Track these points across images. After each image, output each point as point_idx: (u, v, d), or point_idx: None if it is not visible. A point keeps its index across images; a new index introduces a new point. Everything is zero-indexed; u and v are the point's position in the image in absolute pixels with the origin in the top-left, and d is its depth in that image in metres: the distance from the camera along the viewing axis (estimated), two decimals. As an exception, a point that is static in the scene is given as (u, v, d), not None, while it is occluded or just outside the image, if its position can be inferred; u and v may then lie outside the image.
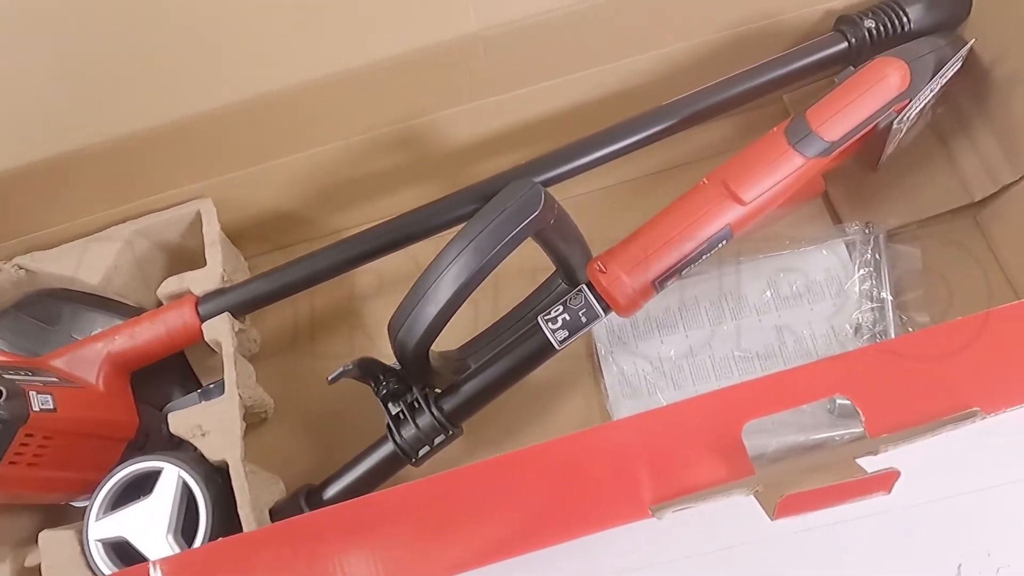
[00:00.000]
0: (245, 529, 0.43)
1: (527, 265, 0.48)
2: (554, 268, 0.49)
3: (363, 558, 0.33)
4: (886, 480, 0.31)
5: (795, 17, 0.52)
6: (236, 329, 0.50)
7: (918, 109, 0.47)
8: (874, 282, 0.52)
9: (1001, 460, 0.49)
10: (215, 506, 0.43)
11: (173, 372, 0.53)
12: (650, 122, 0.50)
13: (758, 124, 0.53)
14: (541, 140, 0.54)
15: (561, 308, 0.46)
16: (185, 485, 0.44)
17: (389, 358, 0.46)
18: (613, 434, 0.35)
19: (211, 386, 0.52)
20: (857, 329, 0.51)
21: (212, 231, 0.53)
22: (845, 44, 0.50)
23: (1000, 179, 0.51)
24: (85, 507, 0.45)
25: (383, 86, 0.50)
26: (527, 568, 0.35)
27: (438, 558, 0.33)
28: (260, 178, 0.55)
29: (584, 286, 0.46)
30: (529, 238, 0.43)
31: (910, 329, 0.51)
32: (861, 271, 0.52)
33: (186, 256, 0.56)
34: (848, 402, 0.42)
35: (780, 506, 0.31)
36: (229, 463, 0.45)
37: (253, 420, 0.54)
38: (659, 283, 0.44)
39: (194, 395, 0.52)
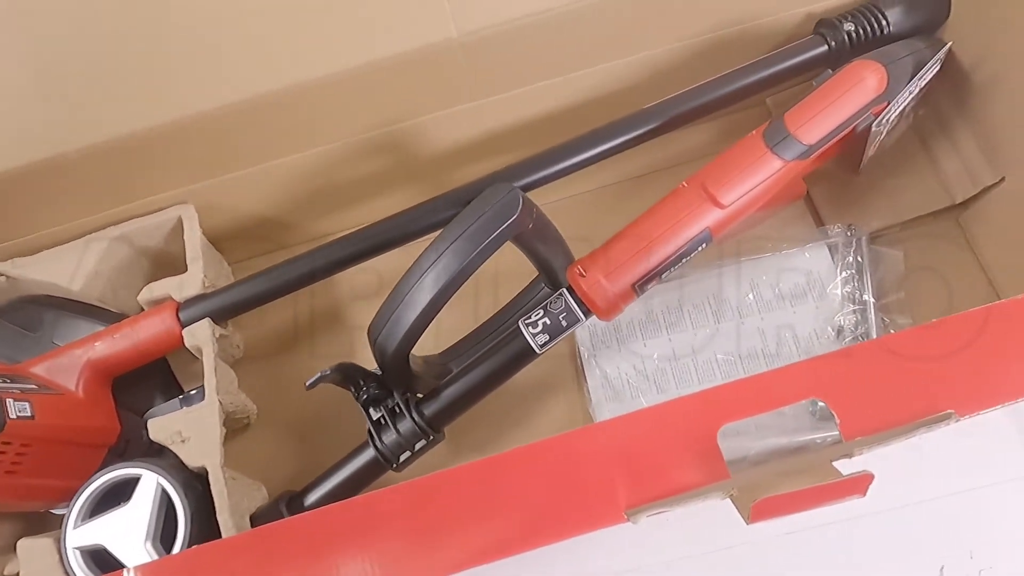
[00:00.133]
0: (224, 536, 0.43)
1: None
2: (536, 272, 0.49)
3: (338, 563, 0.33)
4: (860, 483, 0.31)
5: (775, 20, 0.52)
6: (217, 335, 0.50)
7: (897, 112, 0.47)
8: (856, 284, 0.52)
9: (984, 462, 0.49)
10: (194, 513, 0.43)
11: (155, 378, 0.53)
12: (631, 126, 0.50)
13: (742, 127, 0.53)
14: (524, 144, 0.54)
15: (541, 312, 0.46)
16: (164, 492, 0.44)
17: (372, 363, 0.46)
18: (588, 438, 0.35)
19: (192, 392, 0.52)
20: (839, 331, 0.51)
21: (193, 237, 0.52)
22: (825, 47, 0.50)
23: (981, 181, 0.51)
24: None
25: (364, 91, 0.50)
26: (508, 571, 0.35)
27: (415, 565, 0.33)
28: (243, 183, 0.55)
29: (564, 290, 0.46)
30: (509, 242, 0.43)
31: (892, 331, 0.51)
32: (843, 273, 0.52)
33: (169, 262, 0.56)
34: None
35: (754, 510, 0.31)
36: (208, 469, 0.44)
37: (235, 426, 0.54)
38: (639, 287, 0.44)
39: (175, 401, 0.52)
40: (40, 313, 0.53)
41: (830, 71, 0.45)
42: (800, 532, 0.48)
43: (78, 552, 0.43)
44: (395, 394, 0.47)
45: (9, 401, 0.42)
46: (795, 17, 0.52)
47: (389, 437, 0.46)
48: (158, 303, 0.51)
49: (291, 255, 0.52)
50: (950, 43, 0.48)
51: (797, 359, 0.51)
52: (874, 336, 0.50)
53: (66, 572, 0.43)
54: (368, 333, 0.44)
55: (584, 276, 0.44)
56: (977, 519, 0.48)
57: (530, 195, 0.49)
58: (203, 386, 0.49)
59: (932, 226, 0.54)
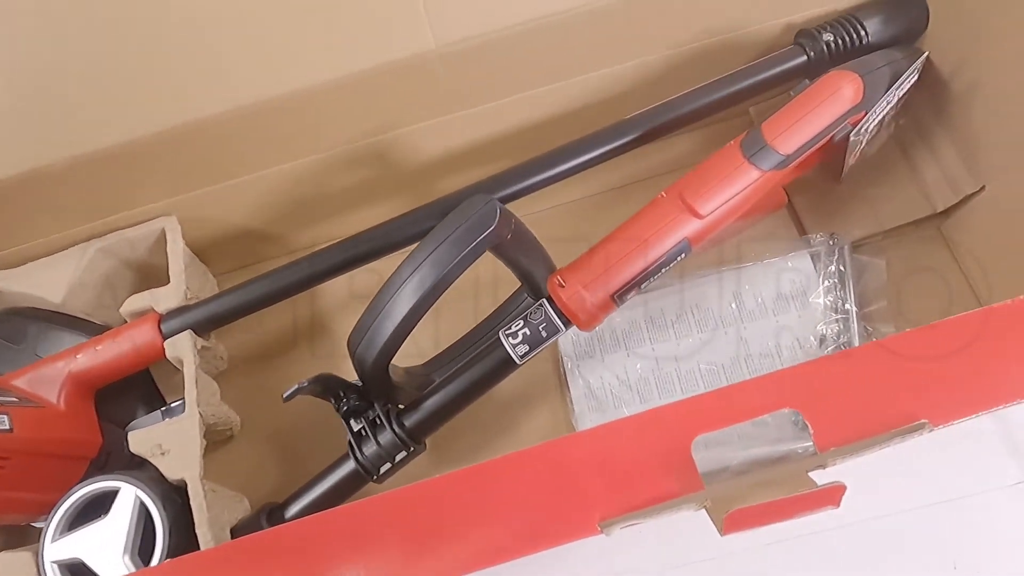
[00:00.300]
0: (203, 548, 0.43)
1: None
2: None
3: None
4: (833, 494, 0.31)
5: (756, 31, 0.53)
6: (199, 346, 0.50)
7: (876, 121, 0.47)
8: (839, 293, 0.52)
9: (969, 470, 0.49)
10: (172, 526, 0.43)
11: (137, 390, 0.53)
12: (613, 137, 0.50)
13: (726, 137, 0.53)
14: (508, 154, 0.54)
15: (522, 322, 0.46)
16: (142, 505, 0.43)
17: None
18: (561, 450, 0.35)
19: (174, 404, 0.51)
20: (822, 340, 0.51)
21: (176, 249, 0.52)
22: (804, 57, 0.50)
23: (961, 189, 0.51)
24: (44, 528, 0.44)
25: (345, 103, 0.50)
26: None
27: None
28: (228, 194, 0.55)
29: (544, 300, 0.46)
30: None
31: (874, 340, 0.51)
32: (826, 282, 0.53)
33: (153, 273, 0.56)
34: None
35: (727, 521, 0.31)
36: (187, 482, 0.44)
37: (218, 438, 0.54)
38: (618, 297, 0.44)
39: (157, 413, 0.52)
40: (24, 325, 0.53)
41: (807, 81, 0.46)
42: (782, 542, 0.48)
43: (56, 566, 0.43)
44: (376, 405, 0.47)
45: (-13, 414, 0.42)
46: (775, 28, 0.53)
47: (369, 449, 0.46)
48: (140, 315, 0.51)
49: (277, 266, 0.52)
50: (927, 52, 0.48)
51: (780, 368, 0.51)
52: (856, 345, 0.50)
53: (44, 586, 0.43)
54: (347, 344, 0.44)
55: (563, 287, 0.44)
56: (961, 529, 0.48)
57: (514, 205, 0.49)
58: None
59: (914, 235, 0.54)
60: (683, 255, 0.44)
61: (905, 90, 0.48)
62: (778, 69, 0.50)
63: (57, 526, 0.43)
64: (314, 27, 0.47)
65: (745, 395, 0.35)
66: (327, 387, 0.45)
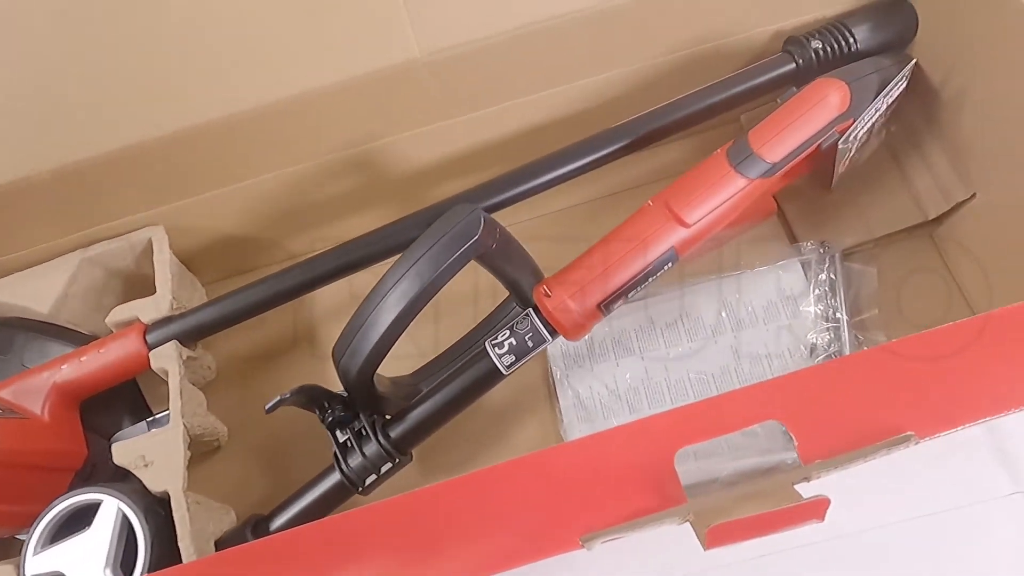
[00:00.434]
0: (185, 561, 0.42)
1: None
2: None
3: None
4: (817, 508, 0.31)
5: (744, 38, 0.52)
6: (185, 357, 0.50)
7: (865, 128, 0.47)
8: (830, 302, 0.52)
9: (960, 481, 0.48)
10: (155, 539, 0.42)
11: (123, 400, 0.53)
12: (600, 144, 0.50)
13: (715, 145, 0.53)
14: (498, 162, 0.54)
15: (508, 332, 0.45)
16: (124, 518, 0.43)
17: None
18: (544, 462, 0.34)
19: (160, 415, 0.51)
20: (812, 349, 0.51)
21: (163, 259, 0.52)
22: (793, 65, 0.50)
23: (953, 197, 0.51)
24: (27, 541, 0.44)
25: (332, 111, 0.50)
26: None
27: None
28: (215, 203, 0.55)
29: (531, 310, 0.45)
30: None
31: (865, 348, 0.50)
32: (817, 291, 0.52)
33: (140, 283, 0.55)
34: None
35: (710, 535, 0.31)
36: (170, 494, 0.44)
37: (205, 448, 0.53)
38: (605, 307, 0.44)
39: (143, 424, 0.51)
40: (11, 335, 0.53)
41: (794, 89, 0.45)
42: (769, 555, 0.47)
43: (37, 579, 0.42)
44: (361, 416, 0.46)
45: (-31, 426, 0.42)
46: (764, 35, 0.53)
47: (354, 460, 0.45)
48: (126, 325, 0.51)
49: (264, 275, 0.52)
50: (915, 59, 0.48)
51: (770, 377, 0.51)
52: (847, 354, 0.50)
53: (25, 600, 0.42)
54: (332, 354, 0.44)
55: (550, 296, 0.44)
56: (954, 541, 0.47)
57: (502, 214, 0.49)
58: (170, 409, 0.48)
59: (906, 242, 0.54)
60: (670, 264, 0.44)
61: (894, 97, 0.48)
62: (766, 76, 0.50)
63: (38, 539, 0.43)
64: (299, 36, 0.47)
65: (729, 407, 0.34)
66: (311, 398, 0.44)
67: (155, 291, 0.52)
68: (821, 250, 0.53)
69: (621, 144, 0.50)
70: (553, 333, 0.44)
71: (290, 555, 0.34)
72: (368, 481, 0.46)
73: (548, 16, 0.47)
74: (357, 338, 0.42)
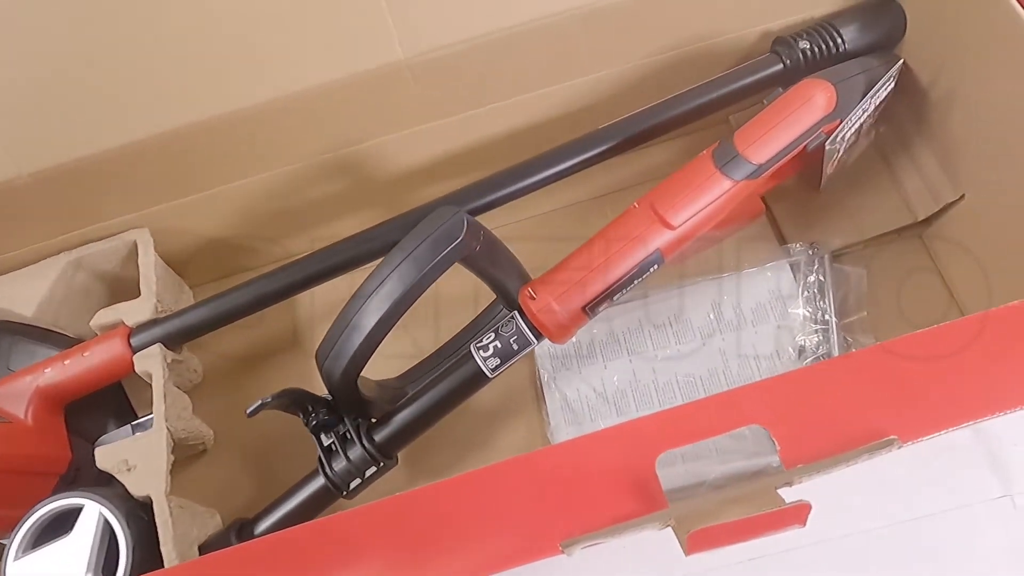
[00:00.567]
0: (167, 566, 0.42)
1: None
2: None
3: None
4: (799, 513, 0.31)
5: (733, 39, 0.52)
6: (169, 360, 0.49)
7: (853, 129, 0.47)
8: (819, 304, 0.51)
9: (949, 484, 0.48)
10: (137, 543, 0.42)
11: (108, 404, 0.53)
12: (586, 146, 0.49)
13: (703, 146, 0.53)
14: (483, 165, 0.54)
15: (493, 335, 0.45)
16: (106, 522, 0.43)
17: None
18: (526, 466, 0.34)
19: (144, 419, 0.51)
20: (801, 351, 0.51)
21: (147, 261, 0.52)
22: (780, 65, 0.50)
23: (942, 198, 0.50)
24: (9, 545, 0.44)
25: (317, 113, 0.50)
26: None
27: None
28: (201, 206, 0.55)
29: (516, 313, 0.45)
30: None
31: (854, 350, 0.50)
32: (806, 293, 0.52)
33: (126, 286, 0.55)
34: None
35: (690, 541, 0.31)
36: (153, 498, 0.44)
37: (190, 452, 0.53)
38: (590, 309, 0.43)
39: (127, 428, 0.51)
40: (-4, 338, 0.53)
41: (780, 90, 0.45)
42: (755, 560, 0.47)
43: (19, 585, 0.42)
44: (346, 419, 0.46)
45: (-50, 430, 0.42)
46: (752, 35, 0.52)
47: (339, 464, 0.45)
48: (110, 328, 0.51)
49: (249, 278, 0.51)
50: (903, 59, 0.47)
51: (759, 379, 0.50)
52: (836, 355, 0.50)
53: (7, 605, 0.42)
54: (316, 357, 0.43)
55: (534, 299, 0.44)
56: (939, 544, 0.47)
57: (488, 216, 0.48)
58: (155, 412, 0.48)
59: (895, 244, 0.53)
60: (656, 266, 0.44)
61: (882, 98, 0.48)
62: (754, 77, 0.49)
63: (19, 544, 0.43)
64: (282, 39, 0.46)
65: (715, 410, 0.34)
66: (294, 401, 0.44)
67: (139, 294, 0.52)
68: (810, 251, 0.53)
69: (608, 146, 0.49)
70: (538, 336, 0.44)
71: (274, 559, 0.34)
72: (353, 485, 0.46)
73: (532, 18, 0.47)
74: (340, 340, 0.42)
